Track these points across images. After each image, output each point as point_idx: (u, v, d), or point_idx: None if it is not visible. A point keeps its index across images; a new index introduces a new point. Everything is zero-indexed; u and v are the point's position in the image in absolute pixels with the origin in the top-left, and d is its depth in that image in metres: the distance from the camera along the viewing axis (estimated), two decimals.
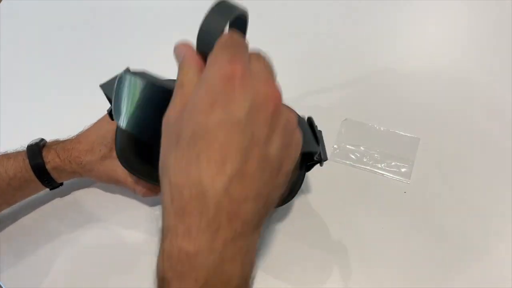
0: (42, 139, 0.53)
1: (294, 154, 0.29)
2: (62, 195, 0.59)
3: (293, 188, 0.48)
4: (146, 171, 0.48)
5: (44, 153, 0.51)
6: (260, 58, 0.28)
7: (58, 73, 0.72)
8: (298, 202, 0.57)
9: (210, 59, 0.27)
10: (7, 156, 0.51)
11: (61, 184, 0.55)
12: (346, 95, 0.66)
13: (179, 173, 0.26)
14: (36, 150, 0.51)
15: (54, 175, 0.52)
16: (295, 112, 0.31)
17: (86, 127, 0.54)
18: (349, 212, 0.57)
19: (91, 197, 0.59)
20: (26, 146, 0.52)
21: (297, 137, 0.29)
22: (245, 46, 0.29)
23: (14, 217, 0.57)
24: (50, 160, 0.51)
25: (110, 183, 0.55)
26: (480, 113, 0.64)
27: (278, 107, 0.27)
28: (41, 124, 0.64)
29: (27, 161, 0.50)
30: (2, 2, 0.82)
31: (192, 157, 0.25)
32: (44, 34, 0.77)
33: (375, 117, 0.64)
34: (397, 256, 0.54)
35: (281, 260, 0.54)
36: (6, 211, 0.55)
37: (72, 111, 0.65)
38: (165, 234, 0.26)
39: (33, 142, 0.52)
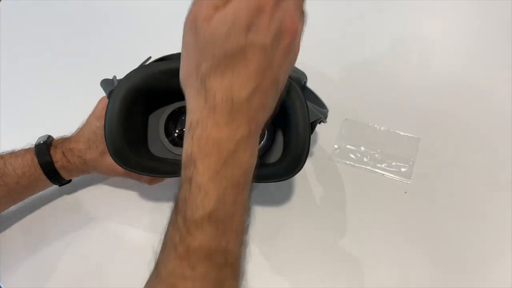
0: (49, 136, 0.53)
1: (289, 74, 0.36)
2: (61, 194, 0.59)
3: (301, 156, 0.47)
4: (141, 164, 0.47)
5: (52, 152, 0.51)
6: None
7: (58, 73, 0.72)
8: (298, 201, 0.58)
9: None
10: (15, 154, 0.51)
11: (70, 180, 0.55)
12: (347, 95, 0.66)
13: (214, 79, 0.32)
14: (44, 148, 0.51)
15: (63, 173, 0.52)
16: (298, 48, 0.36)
17: (80, 125, 0.54)
18: (349, 212, 0.57)
19: (90, 196, 0.59)
20: (33, 145, 0.52)
21: (294, 59, 0.36)
22: None
23: (13, 217, 0.57)
24: (58, 159, 0.51)
25: (116, 176, 0.55)
26: (480, 113, 0.64)
27: (293, 39, 0.33)
28: (40, 124, 0.64)
29: (35, 160, 0.50)
30: (2, 2, 0.82)
31: (227, 69, 0.32)
32: (44, 34, 0.77)
33: (375, 117, 0.64)
34: (397, 256, 0.54)
35: (280, 260, 0.54)
36: (5, 211, 0.55)
37: (72, 110, 0.64)
38: (195, 125, 0.33)
39: (41, 140, 0.52)
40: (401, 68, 0.69)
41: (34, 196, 0.55)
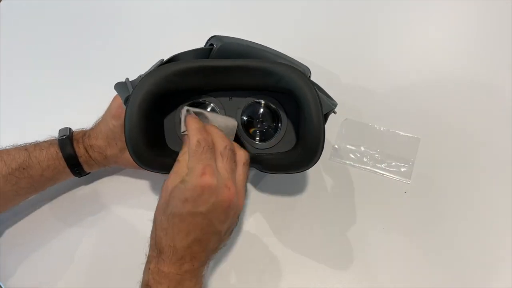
0: (70, 129, 0.55)
1: (233, 229, 0.47)
2: (60, 194, 0.59)
3: (317, 148, 0.47)
4: (162, 164, 0.49)
5: (75, 147, 0.53)
6: (224, 159, 0.44)
7: (57, 72, 0.72)
8: (297, 201, 0.58)
9: (189, 165, 0.43)
10: (39, 147, 0.52)
11: (89, 172, 0.57)
12: (346, 95, 0.66)
13: (161, 231, 0.43)
14: (68, 143, 0.53)
15: (85, 167, 0.55)
16: (243, 201, 0.46)
17: (97, 121, 0.55)
18: (349, 212, 0.57)
19: (90, 196, 0.59)
20: (55, 137, 0.54)
21: (237, 220, 0.47)
22: (211, 149, 0.43)
23: (13, 217, 0.58)
24: (82, 155, 0.53)
25: (137, 169, 0.55)
26: (480, 113, 0.64)
27: (230, 204, 0.43)
28: (40, 123, 0.64)
29: (60, 153, 0.52)
30: (2, 2, 0.82)
31: (169, 226, 0.43)
32: (44, 34, 0.77)
33: (375, 117, 0.64)
34: (397, 256, 0.54)
35: (280, 260, 0.54)
36: (4, 214, 0.56)
37: (72, 109, 0.65)
38: (149, 260, 0.44)
39: (64, 134, 0.54)
40: (401, 68, 0.69)
41: (33, 195, 0.56)
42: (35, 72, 0.72)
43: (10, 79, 0.71)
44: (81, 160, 0.53)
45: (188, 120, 0.45)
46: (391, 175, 0.59)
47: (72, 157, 0.52)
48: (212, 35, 0.52)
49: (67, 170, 0.53)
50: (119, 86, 0.50)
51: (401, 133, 0.62)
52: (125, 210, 0.58)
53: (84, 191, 0.59)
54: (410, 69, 0.69)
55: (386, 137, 0.62)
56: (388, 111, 0.65)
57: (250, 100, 0.52)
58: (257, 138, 0.53)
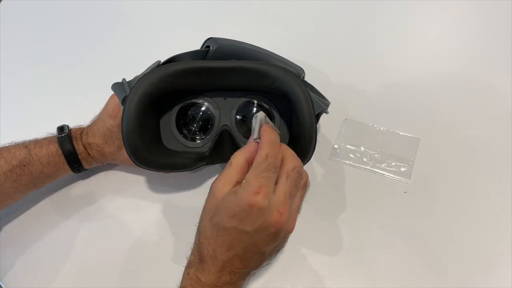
0: (67, 126, 0.55)
1: (280, 250, 0.45)
2: (59, 194, 0.59)
3: (309, 147, 0.48)
4: (159, 163, 0.50)
5: (75, 144, 0.53)
6: (288, 181, 0.41)
7: (57, 72, 0.72)
8: None
9: (247, 178, 0.40)
10: (39, 144, 0.53)
11: (87, 168, 0.57)
12: (347, 95, 0.66)
13: (205, 239, 0.42)
14: (68, 140, 0.53)
15: (84, 164, 0.55)
16: (294, 225, 0.44)
17: (94, 119, 0.56)
18: (349, 212, 0.57)
19: (89, 193, 0.59)
20: (53, 134, 0.54)
21: (285, 243, 0.45)
22: (275, 168, 0.41)
23: (11, 215, 0.58)
24: (81, 152, 0.54)
25: (133, 166, 0.55)
26: (480, 113, 0.64)
27: (278, 230, 0.41)
28: (40, 122, 0.64)
29: (60, 151, 0.53)
30: (2, 2, 0.82)
31: (213, 236, 0.41)
32: (44, 34, 0.77)
33: (375, 117, 0.64)
34: (397, 256, 0.54)
35: (280, 260, 0.54)
36: (4, 212, 0.56)
37: (72, 108, 0.65)
38: (189, 265, 0.44)
39: (63, 132, 0.54)
40: (401, 68, 0.69)
41: (33, 195, 0.56)
42: (35, 72, 0.72)
43: (10, 79, 0.71)
44: (80, 157, 0.54)
45: (264, 130, 0.43)
46: (391, 175, 0.59)
47: (72, 154, 0.53)
48: (208, 37, 0.53)
49: (67, 166, 0.54)
50: (116, 87, 0.51)
51: (401, 133, 0.62)
52: (124, 207, 0.58)
53: (82, 188, 0.60)
54: (410, 69, 0.69)
55: (386, 137, 0.62)
56: (388, 111, 0.65)
57: (244, 100, 0.53)
58: None
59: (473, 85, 0.67)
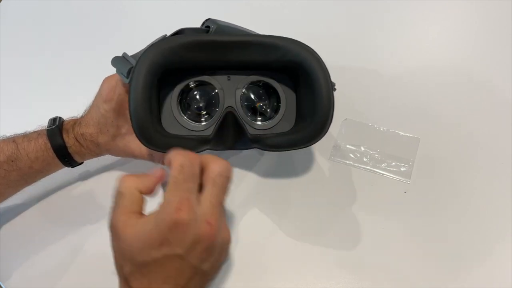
0: (60, 118, 0.53)
1: (222, 263, 0.40)
2: (59, 194, 0.59)
3: (326, 119, 0.47)
4: (164, 143, 0.47)
5: (65, 137, 0.51)
6: (215, 188, 0.38)
7: (58, 73, 0.72)
8: (297, 201, 0.58)
9: (165, 197, 0.37)
10: (27, 138, 0.50)
11: (82, 162, 0.55)
12: (346, 95, 0.66)
13: (135, 280, 0.36)
14: (57, 133, 0.50)
15: (76, 157, 0.52)
16: (229, 233, 0.40)
17: (87, 108, 0.53)
18: (349, 212, 0.57)
19: (89, 195, 0.59)
20: (44, 127, 0.52)
21: (226, 254, 0.40)
22: (194, 176, 0.37)
23: (12, 217, 0.57)
24: (71, 145, 0.51)
25: (128, 158, 0.55)
26: (480, 113, 0.64)
27: (212, 243, 0.37)
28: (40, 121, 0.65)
29: (49, 144, 0.50)
30: (2, 2, 0.82)
31: (144, 277, 0.36)
32: (44, 33, 0.77)
33: (375, 117, 0.64)
34: (397, 256, 0.54)
35: (280, 260, 0.54)
36: (4, 212, 0.56)
37: (72, 108, 0.65)
38: None
39: (52, 124, 0.51)
40: (401, 68, 0.69)
41: (32, 195, 0.56)
42: (35, 72, 0.72)
43: (10, 79, 0.71)
44: (71, 150, 0.51)
45: (171, 152, 0.39)
46: (391, 175, 0.59)
47: (62, 147, 0.50)
48: (206, 18, 0.52)
49: (57, 161, 0.51)
50: (117, 61, 0.48)
51: (401, 133, 0.62)
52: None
53: (82, 188, 0.59)
54: (410, 69, 0.69)
55: (386, 137, 0.62)
56: (388, 111, 0.65)
57: (249, 79, 0.51)
58: (259, 119, 0.52)
59: (473, 85, 0.67)
